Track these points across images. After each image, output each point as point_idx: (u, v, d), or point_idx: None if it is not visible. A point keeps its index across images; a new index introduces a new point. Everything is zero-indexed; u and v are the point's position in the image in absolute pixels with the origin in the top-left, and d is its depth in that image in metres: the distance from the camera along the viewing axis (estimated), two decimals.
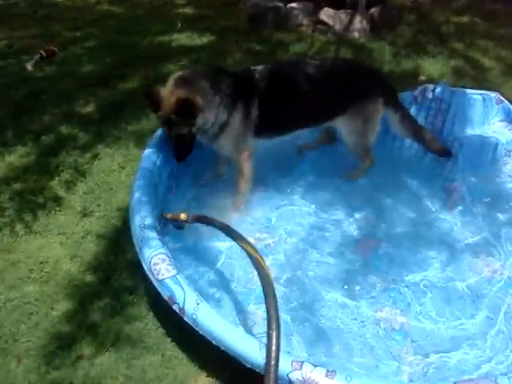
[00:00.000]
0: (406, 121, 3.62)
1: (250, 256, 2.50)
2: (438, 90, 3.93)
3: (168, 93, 2.99)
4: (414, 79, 4.91)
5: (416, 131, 3.66)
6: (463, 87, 4.17)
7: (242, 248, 2.57)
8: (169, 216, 2.97)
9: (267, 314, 2.18)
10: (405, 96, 3.97)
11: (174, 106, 2.92)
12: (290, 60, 3.77)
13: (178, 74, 3.16)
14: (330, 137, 3.83)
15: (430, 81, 4.62)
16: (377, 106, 3.47)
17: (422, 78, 4.98)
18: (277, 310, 2.19)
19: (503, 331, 2.70)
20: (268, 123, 3.24)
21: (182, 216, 2.91)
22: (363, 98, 3.42)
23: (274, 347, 2.06)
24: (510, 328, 2.71)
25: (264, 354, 2.09)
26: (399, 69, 5.20)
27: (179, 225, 3.00)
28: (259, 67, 3.31)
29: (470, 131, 3.90)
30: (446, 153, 3.75)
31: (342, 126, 3.48)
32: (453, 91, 3.94)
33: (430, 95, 3.94)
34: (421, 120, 3.93)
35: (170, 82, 3.05)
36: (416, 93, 3.99)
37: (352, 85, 3.40)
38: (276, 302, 2.23)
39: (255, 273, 2.50)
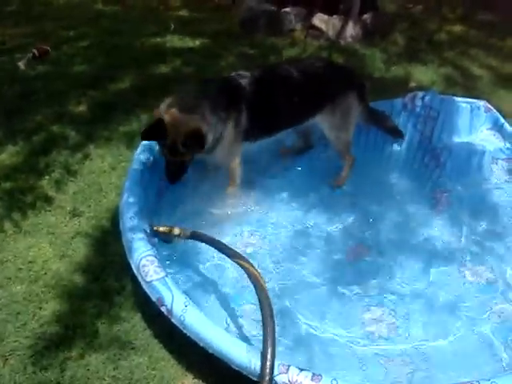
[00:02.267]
0: (368, 109, 3.78)
1: (249, 276, 2.49)
2: (428, 97, 3.97)
3: (173, 120, 2.96)
4: (405, 86, 4.95)
5: (373, 118, 3.85)
6: (453, 95, 4.22)
7: (242, 268, 2.56)
8: (160, 229, 2.91)
9: (263, 334, 2.20)
10: (395, 103, 4.04)
11: (183, 138, 2.93)
12: (271, 64, 3.84)
13: (177, 96, 3.13)
14: (308, 142, 3.95)
15: (421, 88, 4.66)
16: (352, 100, 3.59)
17: (413, 85, 5.04)
18: (274, 331, 2.20)
19: (488, 338, 2.72)
20: (256, 127, 3.28)
21: (176, 231, 2.86)
22: (339, 94, 3.53)
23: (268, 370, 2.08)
24: (495, 335, 2.73)
25: (255, 362, 2.12)
26: (390, 75, 5.25)
27: (166, 238, 2.95)
28: (243, 72, 3.35)
29: (457, 139, 3.94)
30: (398, 133, 3.94)
31: (323, 122, 3.57)
32: (442, 99, 3.99)
33: (420, 102, 3.98)
34: (410, 127, 4.01)
35: (172, 107, 3.01)
36: (406, 100, 4.03)
37: (328, 82, 3.50)
38: (274, 324, 2.24)
39: (244, 274, 2.52)
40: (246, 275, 2.53)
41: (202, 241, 2.83)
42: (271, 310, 2.28)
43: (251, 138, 3.35)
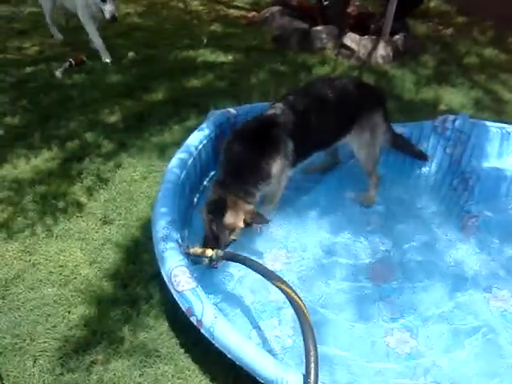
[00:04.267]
0: (391, 129, 3.80)
1: (291, 303, 2.45)
2: (459, 120, 3.97)
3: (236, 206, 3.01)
4: (434, 108, 4.95)
5: (397, 140, 3.86)
6: (482, 119, 4.22)
7: (283, 292, 2.50)
8: (191, 251, 2.87)
9: (306, 368, 2.19)
10: (425, 125, 4.04)
11: (244, 223, 3.02)
12: (299, 87, 3.84)
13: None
14: (336, 158, 4.01)
15: (450, 111, 4.66)
16: (379, 118, 3.62)
17: (442, 107, 5.03)
18: (317, 365, 2.19)
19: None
20: (298, 154, 3.29)
21: (209, 252, 2.83)
22: (367, 112, 3.55)
23: None
24: None
25: (282, 376, 2.16)
26: (419, 97, 5.25)
27: (197, 260, 2.91)
28: (276, 104, 3.34)
29: (487, 163, 3.93)
30: (423, 156, 3.97)
31: (352, 141, 3.60)
32: (473, 123, 3.98)
33: (451, 125, 3.98)
34: (440, 150, 4.00)
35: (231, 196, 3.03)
36: (436, 122, 4.03)
37: (356, 101, 3.51)
38: (317, 356, 2.22)
39: (272, 287, 2.55)
40: (281, 294, 2.51)
41: (238, 261, 2.80)
42: (314, 342, 2.24)
43: (295, 165, 3.36)
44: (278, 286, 2.52)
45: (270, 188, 3.21)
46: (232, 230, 2.99)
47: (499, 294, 3.14)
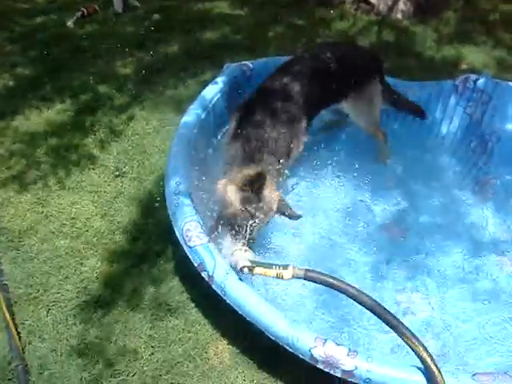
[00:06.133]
0: (389, 92, 3.70)
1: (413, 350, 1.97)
2: (481, 80, 3.83)
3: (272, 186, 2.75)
4: (455, 68, 4.81)
5: (395, 100, 3.74)
6: (505, 79, 4.07)
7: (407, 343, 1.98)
8: (257, 272, 2.24)
9: None
10: (444, 84, 3.91)
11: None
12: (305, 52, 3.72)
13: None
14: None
15: (472, 70, 4.51)
16: (375, 85, 3.54)
17: (464, 66, 4.88)
18: None
19: None
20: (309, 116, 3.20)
21: (287, 274, 2.14)
22: (363, 82, 3.46)
23: None
24: None
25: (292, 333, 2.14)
26: (440, 55, 5.09)
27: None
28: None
29: (509, 126, 3.81)
30: (421, 113, 3.82)
31: (349, 108, 3.52)
32: (496, 83, 3.83)
33: (472, 85, 3.85)
34: (459, 110, 3.87)
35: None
36: (457, 82, 3.89)
37: (353, 67, 3.40)
38: None
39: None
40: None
41: (330, 286, 2.10)
42: None
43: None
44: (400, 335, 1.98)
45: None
46: (267, 213, 2.69)
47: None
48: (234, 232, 2.60)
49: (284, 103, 3.04)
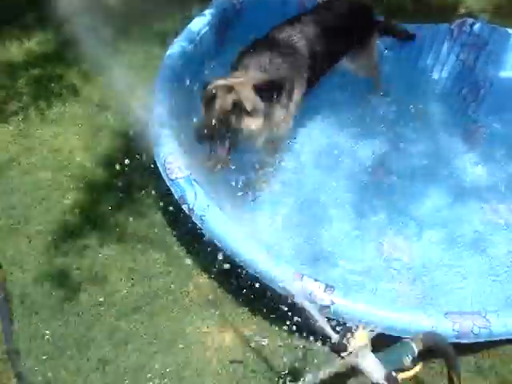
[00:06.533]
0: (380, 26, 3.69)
1: None
2: (478, 25, 3.71)
3: None
4: (453, 11, 4.66)
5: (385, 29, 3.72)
6: (503, 26, 3.95)
7: None
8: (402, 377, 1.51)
9: None
10: (440, 28, 3.81)
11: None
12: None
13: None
14: None
15: (469, 15, 4.38)
16: (373, 39, 3.55)
17: (462, 10, 4.74)
18: None
19: (499, 276, 2.76)
20: (314, 75, 3.11)
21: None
22: (364, 35, 3.44)
23: None
24: (506, 274, 2.77)
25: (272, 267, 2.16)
26: None
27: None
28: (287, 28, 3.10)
29: (503, 73, 3.70)
30: (410, 36, 3.78)
31: (349, 63, 3.48)
32: (493, 28, 3.71)
33: (468, 30, 3.74)
34: (452, 56, 3.80)
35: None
36: (453, 26, 3.78)
37: (353, 24, 3.33)
38: None
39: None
40: None
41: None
42: None
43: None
44: None
45: None
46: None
47: (497, 208, 3.12)
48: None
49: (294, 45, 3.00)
